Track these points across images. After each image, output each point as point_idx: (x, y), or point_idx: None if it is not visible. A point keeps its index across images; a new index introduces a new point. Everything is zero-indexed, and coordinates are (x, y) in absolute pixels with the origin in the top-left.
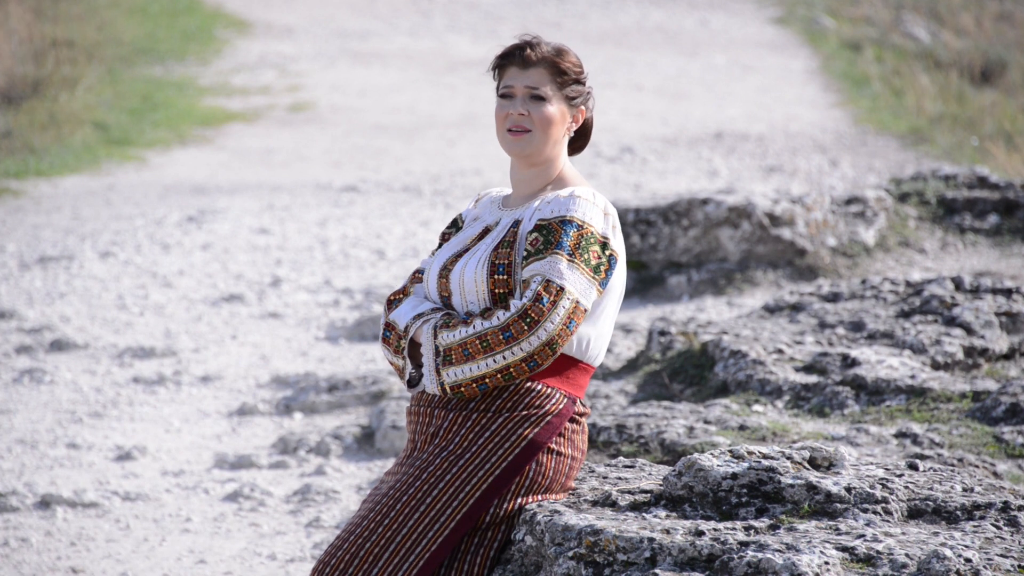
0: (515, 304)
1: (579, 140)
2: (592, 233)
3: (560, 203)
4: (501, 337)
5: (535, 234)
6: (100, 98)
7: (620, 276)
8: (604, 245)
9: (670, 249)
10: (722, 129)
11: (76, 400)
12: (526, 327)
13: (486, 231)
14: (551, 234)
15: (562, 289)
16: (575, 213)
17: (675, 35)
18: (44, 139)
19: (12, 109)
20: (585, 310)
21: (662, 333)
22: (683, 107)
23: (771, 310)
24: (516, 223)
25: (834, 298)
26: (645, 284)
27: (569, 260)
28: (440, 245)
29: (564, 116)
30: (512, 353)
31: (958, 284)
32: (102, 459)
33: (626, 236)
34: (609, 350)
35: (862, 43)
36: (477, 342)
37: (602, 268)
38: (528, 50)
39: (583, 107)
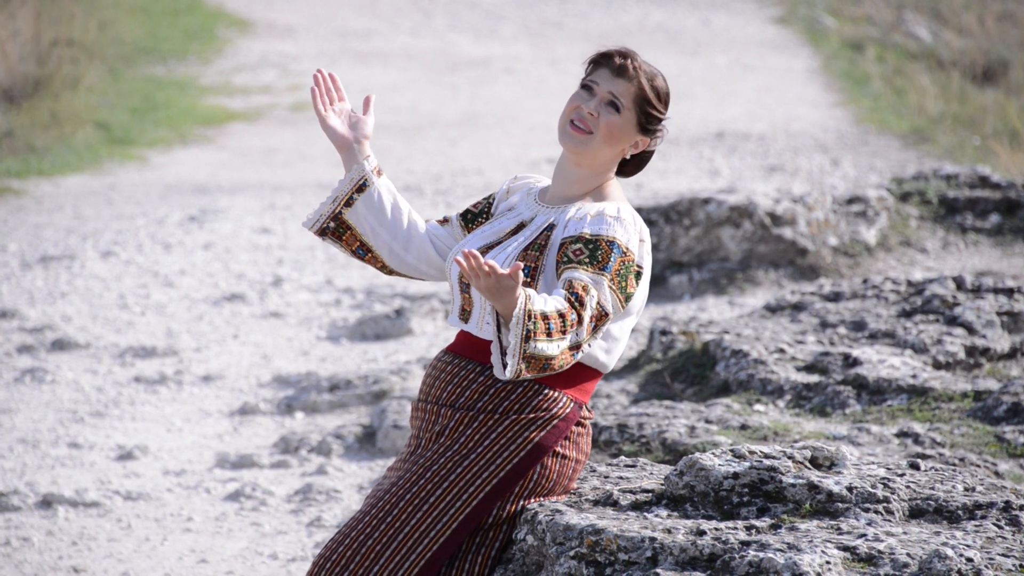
0: (583, 318)
1: (632, 166)
2: (632, 261)
3: (605, 221)
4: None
5: (579, 245)
6: (102, 98)
7: (643, 294)
8: (638, 274)
9: (671, 248)
10: (723, 128)
11: (77, 399)
12: (577, 345)
13: (521, 226)
14: (598, 251)
15: (606, 314)
16: (620, 238)
17: (676, 35)
18: (46, 138)
19: (14, 108)
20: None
21: (663, 333)
22: (684, 106)
23: (772, 310)
24: (550, 227)
25: (835, 298)
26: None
27: (610, 285)
28: (466, 212)
29: (629, 136)
30: (557, 347)
31: (960, 284)
32: (103, 458)
33: None
34: None
35: (864, 43)
36: (559, 320)
37: (631, 297)
38: (628, 61)
39: (649, 138)
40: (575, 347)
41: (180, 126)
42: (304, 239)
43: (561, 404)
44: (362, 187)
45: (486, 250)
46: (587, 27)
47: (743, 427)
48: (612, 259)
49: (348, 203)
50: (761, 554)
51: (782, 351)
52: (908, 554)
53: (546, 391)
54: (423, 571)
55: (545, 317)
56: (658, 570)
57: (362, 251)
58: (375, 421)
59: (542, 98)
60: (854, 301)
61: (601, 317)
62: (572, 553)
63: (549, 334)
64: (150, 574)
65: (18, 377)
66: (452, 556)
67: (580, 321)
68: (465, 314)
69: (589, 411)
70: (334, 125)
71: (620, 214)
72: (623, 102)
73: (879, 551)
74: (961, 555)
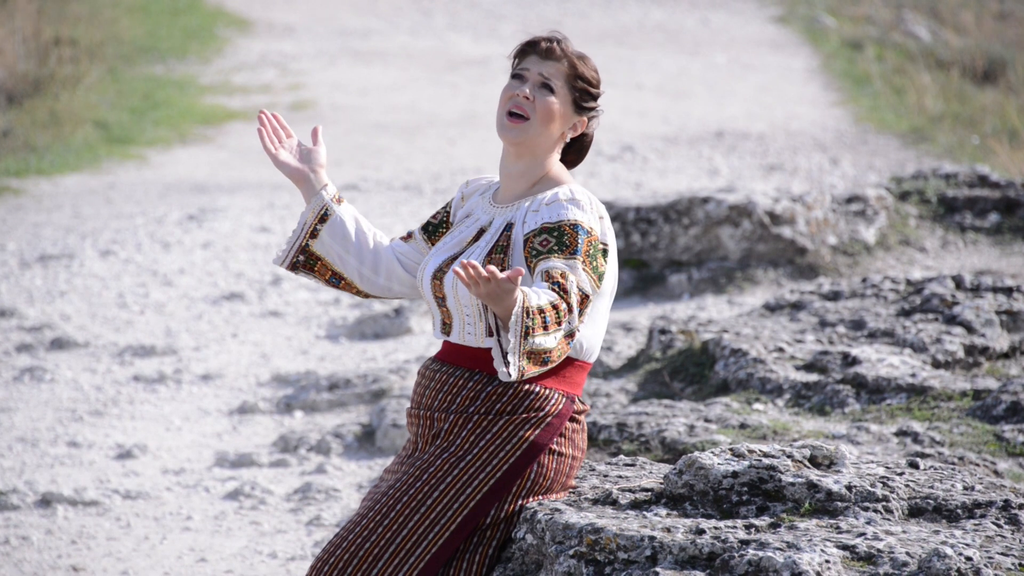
0: (572, 305)
1: (575, 154)
2: (597, 241)
3: (561, 206)
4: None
5: (543, 236)
6: (101, 97)
7: (613, 275)
8: (605, 252)
9: (671, 248)
10: (723, 128)
11: (77, 398)
12: (571, 333)
13: (481, 232)
14: (564, 236)
15: (587, 296)
16: (581, 219)
17: (676, 34)
18: (45, 137)
19: (13, 107)
20: None
21: (663, 332)
22: (684, 106)
23: (772, 308)
24: (509, 226)
25: (835, 296)
26: (646, 283)
27: (584, 267)
28: (427, 224)
29: (566, 116)
30: (554, 339)
31: (959, 283)
32: (103, 457)
33: (627, 235)
34: (610, 348)
35: (863, 42)
36: (554, 312)
37: (603, 276)
38: (554, 43)
39: (586, 118)
40: (569, 335)
41: (179, 125)
42: None
43: (553, 401)
44: (324, 217)
45: (451, 261)
46: (587, 26)
47: (742, 426)
48: (579, 241)
49: (313, 235)
50: (760, 553)
51: (781, 350)
52: (907, 553)
53: (537, 390)
54: (422, 573)
55: (541, 311)
56: (657, 569)
57: (335, 279)
58: (374, 420)
59: None
60: (853, 300)
61: (583, 300)
62: (571, 552)
63: (546, 327)
64: (149, 573)
65: (17, 376)
66: (451, 555)
67: (571, 308)
68: (446, 327)
69: (583, 404)
70: (286, 160)
71: (574, 195)
72: (555, 83)
73: (878, 550)
74: (960, 554)
